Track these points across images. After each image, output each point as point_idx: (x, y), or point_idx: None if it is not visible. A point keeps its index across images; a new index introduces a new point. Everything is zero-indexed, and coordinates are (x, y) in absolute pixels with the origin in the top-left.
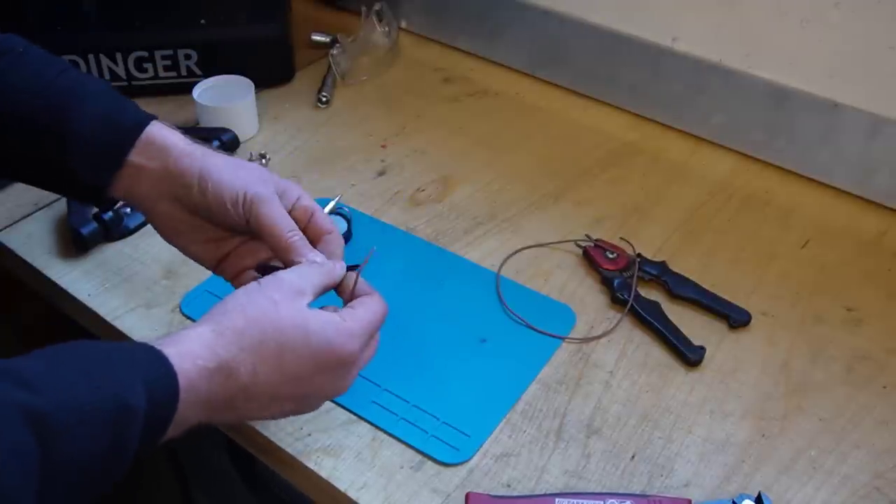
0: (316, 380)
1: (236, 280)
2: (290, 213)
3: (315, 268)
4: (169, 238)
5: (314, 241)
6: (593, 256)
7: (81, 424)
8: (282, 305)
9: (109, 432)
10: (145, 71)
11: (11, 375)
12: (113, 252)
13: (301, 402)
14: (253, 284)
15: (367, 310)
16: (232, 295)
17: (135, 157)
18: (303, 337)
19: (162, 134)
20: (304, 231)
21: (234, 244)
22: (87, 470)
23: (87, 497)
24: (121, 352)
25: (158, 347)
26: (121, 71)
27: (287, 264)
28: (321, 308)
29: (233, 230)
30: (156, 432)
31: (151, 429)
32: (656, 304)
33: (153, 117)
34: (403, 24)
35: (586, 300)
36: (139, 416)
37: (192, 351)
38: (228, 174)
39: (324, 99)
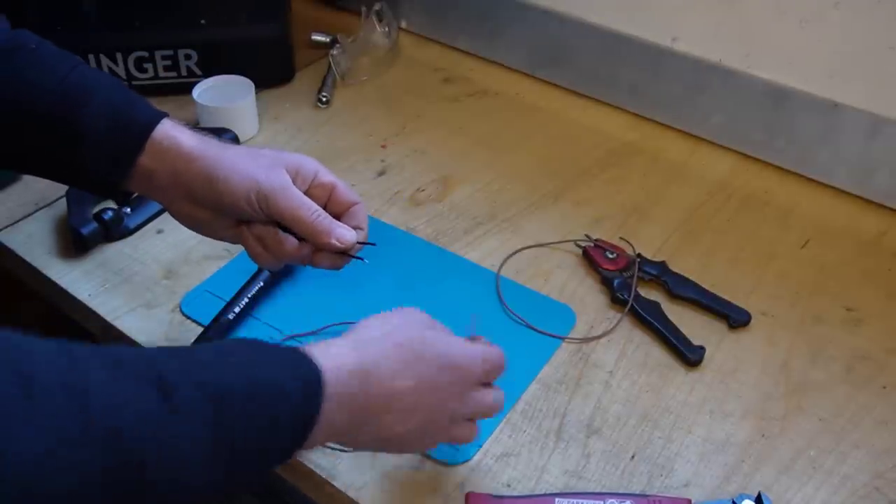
0: (443, 392)
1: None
2: (308, 190)
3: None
4: (194, 230)
5: (339, 215)
6: (593, 256)
7: (250, 401)
8: (411, 324)
9: (269, 412)
10: (145, 71)
11: (188, 359)
12: (113, 252)
13: (429, 418)
14: (392, 311)
15: (491, 346)
16: (378, 316)
17: (145, 160)
18: (434, 346)
19: (170, 135)
20: (326, 206)
21: (250, 227)
22: (249, 444)
23: (249, 471)
24: (274, 349)
25: (307, 352)
26: (121, 71)
27: (317, 245)
28: None
29: (256, 221)
30: (305, 425)
31: (302, 419)
32: (656, 304)
33: (163, 115)
34: (403, 24)
35: (586, 300)
36: (293, 401)
37: (335, 354)
38: (237, 172)
39: (324, 99)
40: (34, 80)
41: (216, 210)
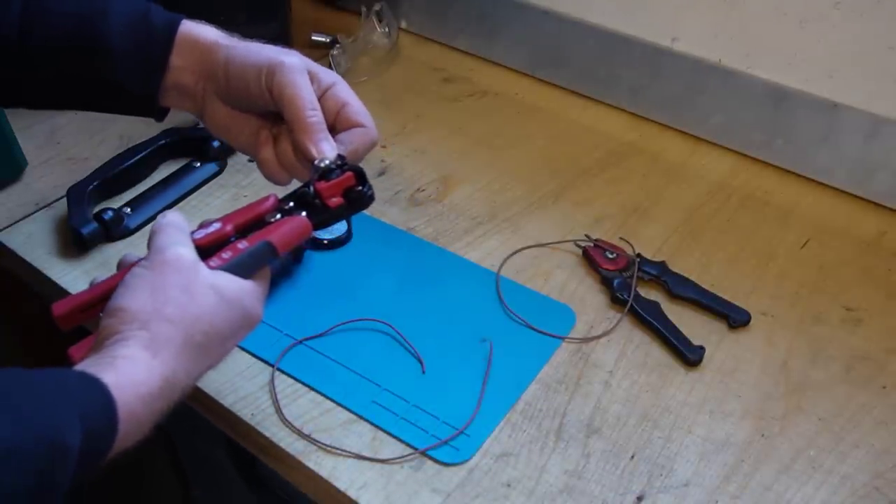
0: (237, 339)
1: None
2: (320, 98)
3: (174, 230)
4: (219, 134)
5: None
6: (593, 256)
7: (5, 464)
8: (192, 291)
9: (36, 471)
10: None
11: None
12: (113, 252)
13: (219, 361)
14: (149, 275)
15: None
16: (142, 292)
17: (174, 60)
18: (221, 315)
19: (193, 32)
20: (333, 122)
21: (269, 131)
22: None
23: None
24: (53, 381)
25: (95, 374)
26: None
27: (300, 148)
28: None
29: (263, 113)
30: (91, 466)
31: (87, 463)
32: (656, 304)
33: (181, 17)
34: (403, 24)
35: (586, 300)
36: (73, 453)
37: (133, 379)
38: (253, 53)
39: None
40: (54, 6)
41: (235, 104)
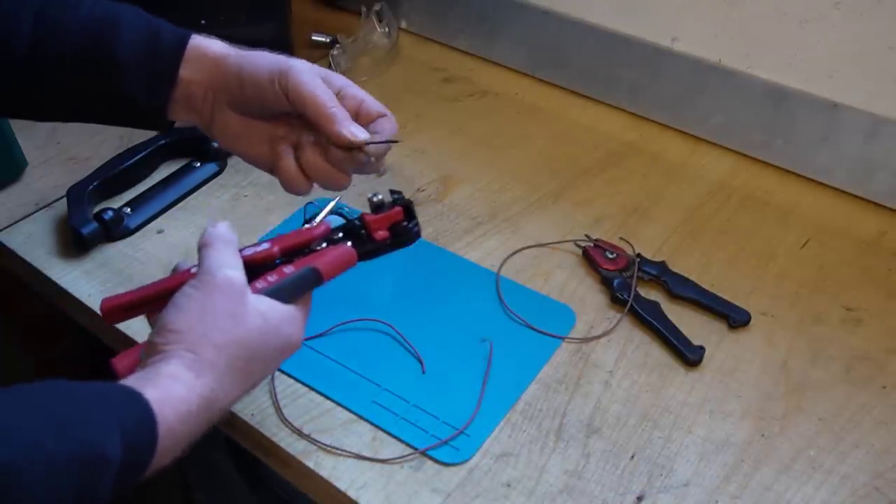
0: (278, 363)
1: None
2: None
3: (225, 247)
4: (229, 146)
5: (365, 127)
6: (593, 256)
7: (49, 475)
8: (239, 318)
9: (78, 483)
10: None
11: None
12: (113, 252)
13: (257, 384)
14: (199, 296)
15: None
16: (191, 314)
17: (183, 72)
18: (264, 342)
19: (204, 44)
20: (355, 118)
21: (288, 140)
22: None
23: None
24: (95, 394)
25: (137, 389)
26: None
27: (333, 138)
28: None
29: (278, 116)
30: (132, 479)
31: (127, 476)
32: (656, 304)
33: (191, 32)
34: (403, 24)
35: (586, 300)
36: (114, 465)
37: (173, 396)
38: (264, 58)
39: None
40: (63, 20)
41: (248, 111)
